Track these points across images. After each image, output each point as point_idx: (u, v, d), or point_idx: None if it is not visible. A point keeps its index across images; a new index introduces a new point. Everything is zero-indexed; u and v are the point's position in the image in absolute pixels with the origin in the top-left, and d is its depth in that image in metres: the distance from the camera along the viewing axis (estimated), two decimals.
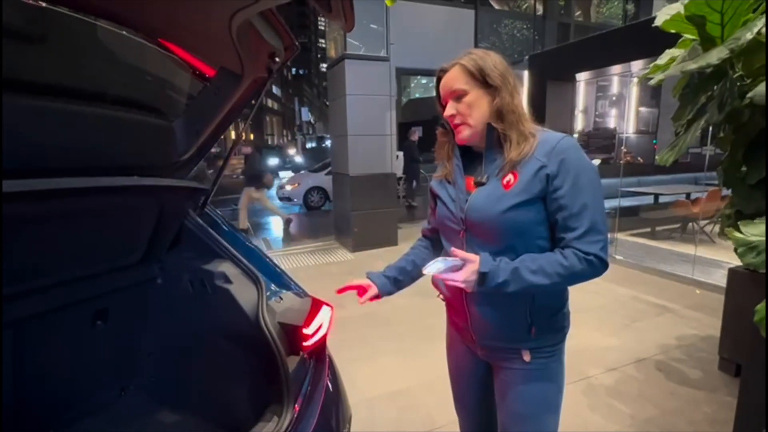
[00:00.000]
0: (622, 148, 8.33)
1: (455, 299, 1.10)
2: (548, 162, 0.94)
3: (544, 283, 0.93)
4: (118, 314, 1.51)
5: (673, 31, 1.74)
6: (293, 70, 52.34)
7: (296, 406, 1.13)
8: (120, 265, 1.46)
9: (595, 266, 0.93)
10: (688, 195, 5.74)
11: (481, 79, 1.01)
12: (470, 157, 1.09)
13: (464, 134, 1.04)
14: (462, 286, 0.95)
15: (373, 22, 5.47)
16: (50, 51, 0.98)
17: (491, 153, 1.04)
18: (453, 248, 1.00)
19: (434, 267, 0.94)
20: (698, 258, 4.22)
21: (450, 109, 1.04)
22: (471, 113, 1.02)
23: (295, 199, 9.64)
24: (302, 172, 11.12)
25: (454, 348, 1.26)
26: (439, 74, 1.07)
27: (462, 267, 0.95)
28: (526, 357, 1.05)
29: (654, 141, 9.96)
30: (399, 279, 1.24)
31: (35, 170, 0.96)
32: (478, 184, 1.02)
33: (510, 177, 0.97)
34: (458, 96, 1.02)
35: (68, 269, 1.30)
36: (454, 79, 1.03)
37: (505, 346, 1.07)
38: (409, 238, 6.02)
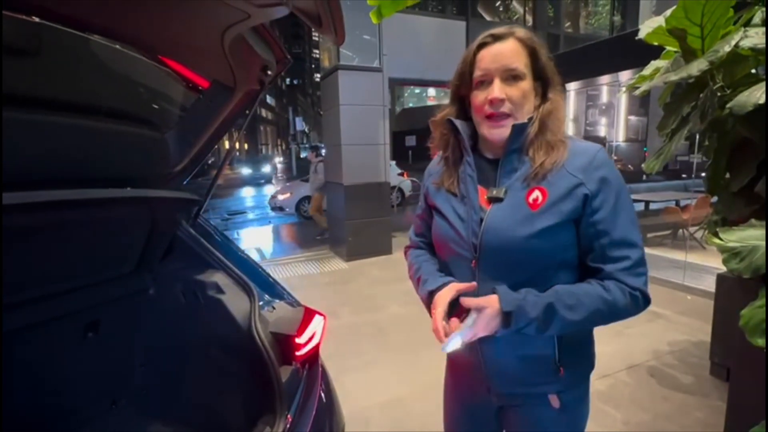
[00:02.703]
0: (613, 155, 8.45)
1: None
2: (585, 179, 0.78)
3: (579, 321, 0.77)
4: (110, 325, 1.50)
5: (656, 43, 1.79)
6: (287, 80, 52.62)
7: (289, 416, 1.13)
8: (112, 276, 1.46)
9: (639, 303, 0.79)
10: (677, 202, 5.83)
11: (535, 67, 0.82)
12: (476, 162, 0.89)
13: (504, 131, 0.82)
14: (483, 334, 0.78)
15: (366, 33, 5.54)
16: (43, 65, 0.99)
17: (510, 160, 0.84)
18: (462, 298, 0.80)
19: (455, 343, 0.76)
20: (689, 264, 4.27)
21: (500, 91, 0.80)
22: (523, 105, 0.82)
23: (288, 209, 9.60)
24: (294, 181, 11.11)
25: (455, 396, 1.06)
26: (486, 40, 0.82)
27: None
28: (555, 403, 0.88)
29: (645, 149, 10.12)
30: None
31: (28, 182, 0.96)
32: (494, 200, 0.83)
33: (537, 194, 0.80)
34: (515, 77, 0.80)
35: (60, 280, 1.30)
36: (514, 54, 0.80)
37: (528, 391, 0.89)
38: (403, 246, 6.02)
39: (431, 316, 0.85)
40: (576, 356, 0.88)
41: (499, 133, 0.82)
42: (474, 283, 0.84)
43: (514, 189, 0.82)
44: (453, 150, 0.92)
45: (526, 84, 0.81)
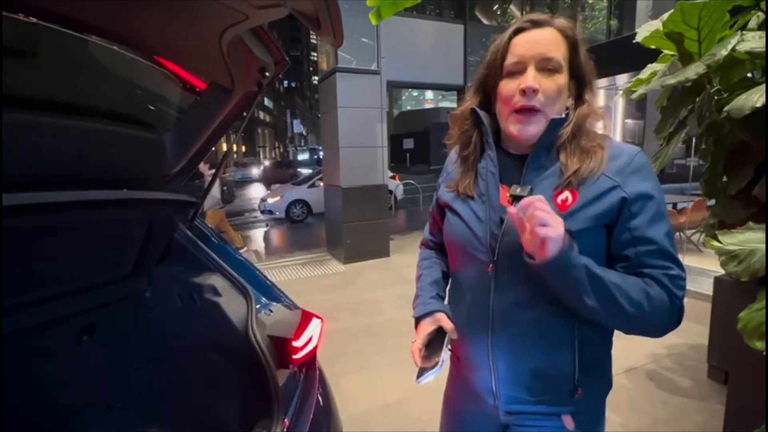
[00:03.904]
0: None
1: (477, 352, 0.84)
2: (622, 182, 0.71)
3: (618, 308, 0.68)
4: (106, 329, 1.49)
5: (653, 46, 1.80)
6: (285, 82, 52.72)
7: (286, 420, 1.12)
8: (108, 279, 1.44)
9: (674, 314, 0.72)
10: (674, 205, 5.85)
11: (573, 62, 0.75)
12: (498, 158, 0.81)
13: (532, 129, 0.74)
14: (541, 235, 0.64)
15: (364, 36, 5.56)
16: (40, 66, 0.99)
17: (538, 156, 0.76)
18: (445, 324, 0.80)
19: (428, 379, 0.77)
20: (686, 267, 4.27)
21: (534, 80, 0.71)
22: (556, 102, 0.73)
23: (277, 212, 9.49)
24: (285, 184, 11.05)
25: (457, 407, 1.01)
26: (524, 25, 0.75)
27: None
28: (569, 425, 0.80)
29: None
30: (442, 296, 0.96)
31: (23, 184, 0.96)
32: (517, 199, 0.72)
33: (567, 194, 0.72)
34: (551, 69, 0.73)
35: (55, 284, 1.29)
36: (553, 43, 0.73)
37: (540, 410, 0.81)
38: (401, 249, 6.03)
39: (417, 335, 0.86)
40: (596, 377, 0.81)
41: (527, 130, 0.74)
42: (453, 329, 0.84)
43: (540, 188, 0.74)
44: (474, 147, 0.83)
45: (562, 79, 0.73)
